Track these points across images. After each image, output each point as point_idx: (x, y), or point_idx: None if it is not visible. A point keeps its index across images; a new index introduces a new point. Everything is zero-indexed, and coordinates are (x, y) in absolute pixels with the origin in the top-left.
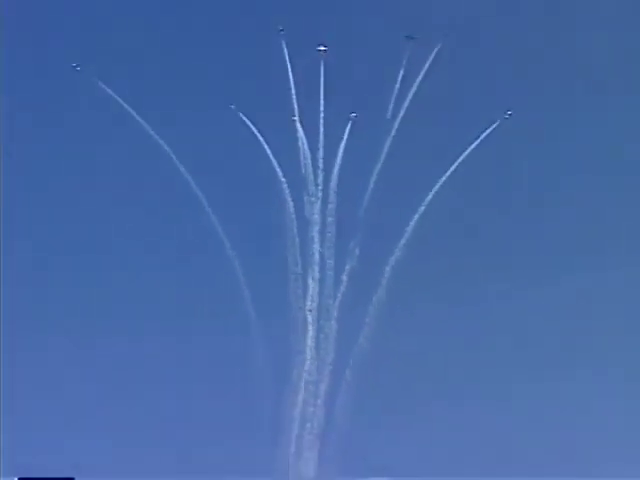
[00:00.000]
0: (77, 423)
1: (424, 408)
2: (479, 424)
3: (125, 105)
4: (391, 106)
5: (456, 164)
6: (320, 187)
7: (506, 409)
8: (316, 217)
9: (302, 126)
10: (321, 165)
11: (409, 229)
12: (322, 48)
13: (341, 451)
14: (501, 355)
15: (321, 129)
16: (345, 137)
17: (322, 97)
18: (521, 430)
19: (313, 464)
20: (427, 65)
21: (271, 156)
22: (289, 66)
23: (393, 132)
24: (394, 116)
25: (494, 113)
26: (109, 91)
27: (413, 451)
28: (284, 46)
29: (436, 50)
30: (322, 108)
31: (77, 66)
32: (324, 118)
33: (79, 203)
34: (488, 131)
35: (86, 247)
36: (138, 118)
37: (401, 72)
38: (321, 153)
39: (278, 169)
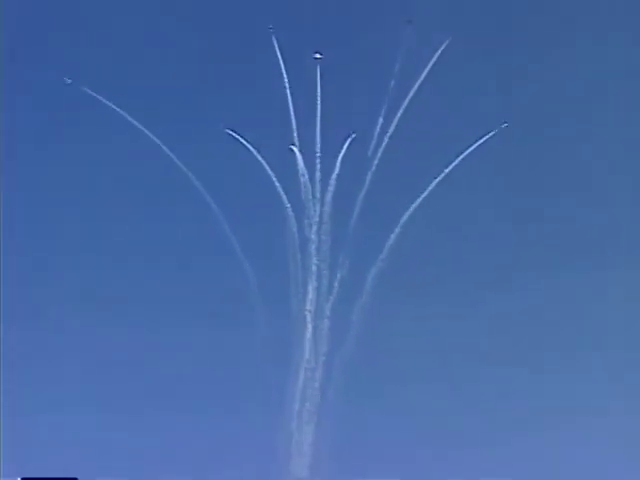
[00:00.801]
0: (79, 423)
1: (399, 391)
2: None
3: (129, 117)
4: (373, 144)
5: (439, 178)
6: (317, 212)
7: (504, 407)
8: (313, 236)
9: (300, 152)
10: (318, 195)
11: (388, 245)
12: (318, 56)
13: (334, 423)
14: (486, 353)
15: (318, 166)
16: (337, 169)
17: (319, 116)
18: (519, 429)
19: (311, 434)
20: (428, 69)
21: (279, 189)
22: (283, 67)
23: (374, 167)
24: (379, 142)
25: (489, 124)
26: (112, 105)
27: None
28: (275, 44)
29: (444, 45)
30: (318, 137)
31: (69, 79)
32: (321, 142)
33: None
34: (477, 144)
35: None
36: (150, 135)
37: (386, 103)
38: (318, 187)
39: (284, 195)
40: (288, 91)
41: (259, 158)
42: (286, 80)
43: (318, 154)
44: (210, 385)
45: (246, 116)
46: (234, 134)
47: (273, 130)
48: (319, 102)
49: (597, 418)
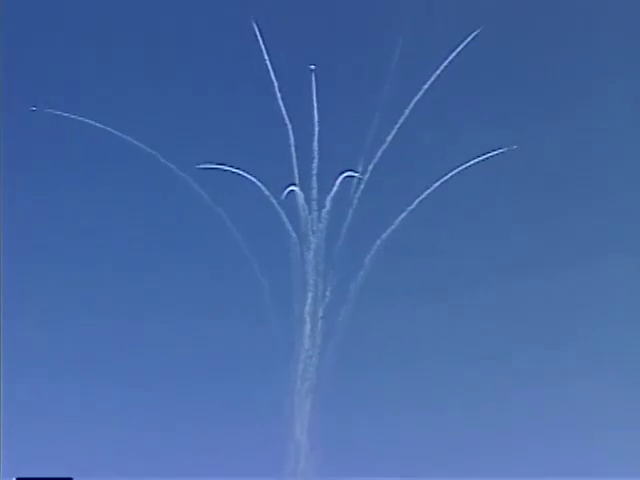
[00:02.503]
0: (77, 422)
1: (377, 373)
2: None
3: (159, 156)
4: (354, 183)
5: (405, 213)
6: (313, 241)
7: (502, 405)
8: (311, 258)
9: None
10: (315, 228)
11: (365, 264)
12: (312, 67)
13: (327, 398)
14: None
15: (315, 206)
16: (327, 205)
17: (316, 160)
18: (517, 428)
19: (308, 406)
20: (436, 71)
21: (287, 223)
22: (270, 65)
23: (354, 205)
24: (359, 182)
25: (482, 148)
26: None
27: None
28: (259, 35)
29: (473, 35)
30: (315, 182)
31: (34, 107)
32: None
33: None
34: (464, 166)
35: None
36: (182, 174)
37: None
38: (316, 222)
39: (289, 226)
40: (290, 130)
41: (272, 199)
42: (286, 118)
43: (315, 197)
44: (228, 368)
45: (253, 158)
46: (256, 181)
47: (279, 172)
48: (316, 143)
49: (595, 415)
